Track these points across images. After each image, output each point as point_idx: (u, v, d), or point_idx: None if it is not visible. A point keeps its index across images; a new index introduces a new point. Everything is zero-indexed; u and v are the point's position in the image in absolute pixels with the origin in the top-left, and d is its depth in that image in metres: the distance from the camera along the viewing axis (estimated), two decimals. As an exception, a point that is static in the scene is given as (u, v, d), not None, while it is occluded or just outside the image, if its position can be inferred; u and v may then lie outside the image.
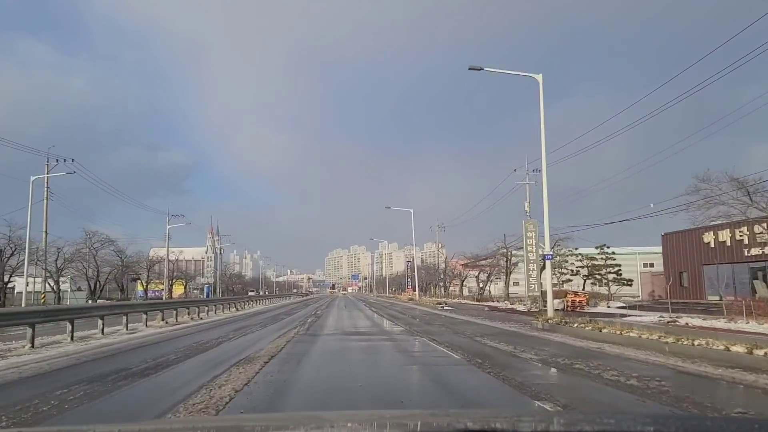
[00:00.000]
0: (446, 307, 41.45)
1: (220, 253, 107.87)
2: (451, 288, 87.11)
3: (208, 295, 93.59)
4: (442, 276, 78.48)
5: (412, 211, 57.69)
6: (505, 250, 48.76)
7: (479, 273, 57.80)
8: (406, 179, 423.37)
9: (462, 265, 72.32)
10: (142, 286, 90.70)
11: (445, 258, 72.49)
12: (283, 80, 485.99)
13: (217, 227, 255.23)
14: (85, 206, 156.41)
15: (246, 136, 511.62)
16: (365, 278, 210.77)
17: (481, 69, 24.54)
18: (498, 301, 49.97)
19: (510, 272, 50.42)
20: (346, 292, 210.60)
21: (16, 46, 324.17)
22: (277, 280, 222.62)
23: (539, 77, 23.52)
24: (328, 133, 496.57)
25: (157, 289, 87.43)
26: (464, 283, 72.40)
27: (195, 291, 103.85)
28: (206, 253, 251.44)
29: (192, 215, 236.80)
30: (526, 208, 51.73)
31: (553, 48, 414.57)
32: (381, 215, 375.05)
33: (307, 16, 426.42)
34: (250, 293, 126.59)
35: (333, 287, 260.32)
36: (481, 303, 48.77)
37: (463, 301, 52.37)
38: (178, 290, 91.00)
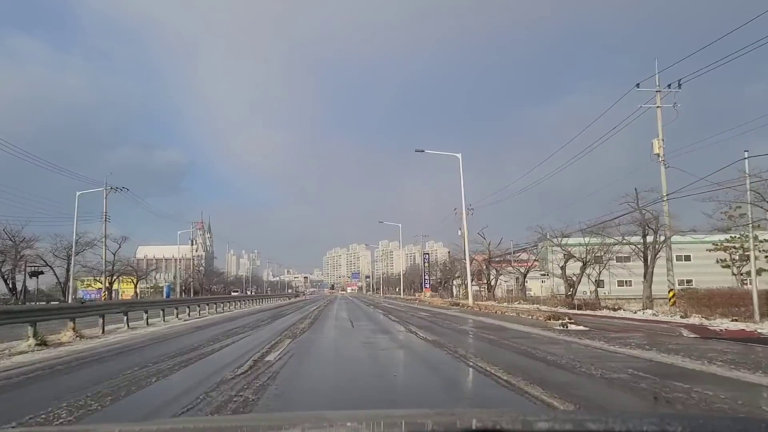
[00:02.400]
0: (571, 326, 18.32)
1: (194, 243, 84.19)
2: (476, 287, 64.17)
3: (168, 296, 70.24)
4: (483, 269, 55.32)
5: (460, 156, 34.57)
6: (643, 213, 25.59)
7: (566, 260, 34.60)
8: (406, 177, 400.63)
9: (511, 257, 49.30)
10: (82, 284, 67.58)
11: (489, 244, 49.36)
12: (279, 78, 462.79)
13: (208, 223, 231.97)
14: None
15: (243, 135, 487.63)
16: (367, 277, 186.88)
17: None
18: (617, 309, 27.02)
19: (655, 256, 27.14)
20: (345, 293, 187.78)
21: (8, 43, 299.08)
22: (271, 279, 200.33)
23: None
24: (324, 132, 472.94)
25: (93, 288, 64.26)
26: (524, 278, 49.56)
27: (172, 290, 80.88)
28: (196, 251, 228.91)
29: (189, 214, 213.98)
30: (657, 150, 29.32)
31: (551, 44, 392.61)
32: (381, 213, 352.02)
33: (303, 12, 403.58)
34: (233, 293, 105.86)
35: (332, 287, 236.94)
36: (593, 313, 25.72)
37: (557, 309, 29.06)
38: (129, 290, 67.91)
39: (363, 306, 42.83)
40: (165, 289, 72.19)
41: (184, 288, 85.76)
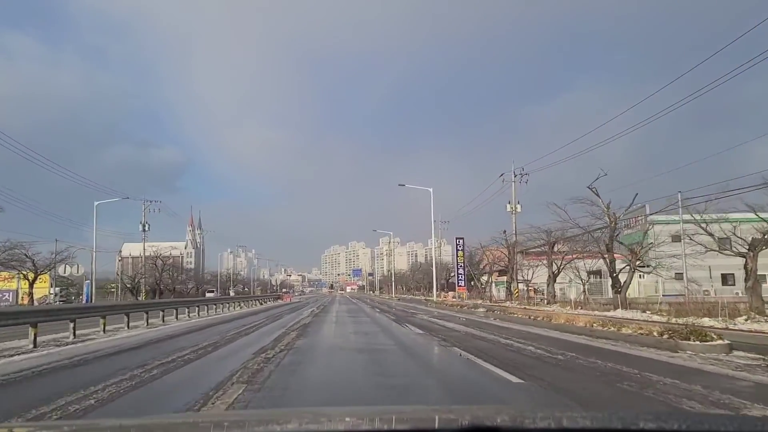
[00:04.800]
0: None
1: (146, 229, 59.75)
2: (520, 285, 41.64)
3: (88, 300, 46.16)
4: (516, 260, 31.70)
5: None
6: None
7: None
8: (403, 174, 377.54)
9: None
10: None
11: (608, 206, 25.16)
12: (274, 76, 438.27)
13: (198, 219, 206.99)
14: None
15: (239, 134, 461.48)
16: (370, 274, 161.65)
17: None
18: None
19: None
20: (344, 292, 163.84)
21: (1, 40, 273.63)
22: (265, 278, 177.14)
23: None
24: (320, 129, 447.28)
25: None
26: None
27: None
28: (185, 248, 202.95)
29: (187, 213, 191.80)
30: None
31: (549, 40, 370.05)
32: (380, 211, 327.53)
33: (295, 7, 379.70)
34: (208, 294, 78.34)
35: (331, 287, 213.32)
36: None
37: None
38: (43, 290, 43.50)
39: (398, 335, 17.94)
40: (85, 290, 47.82)
41: (131, 287, 61.67)
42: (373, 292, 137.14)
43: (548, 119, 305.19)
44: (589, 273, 44.84)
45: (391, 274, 79.84)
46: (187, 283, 79.17)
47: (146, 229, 62.81)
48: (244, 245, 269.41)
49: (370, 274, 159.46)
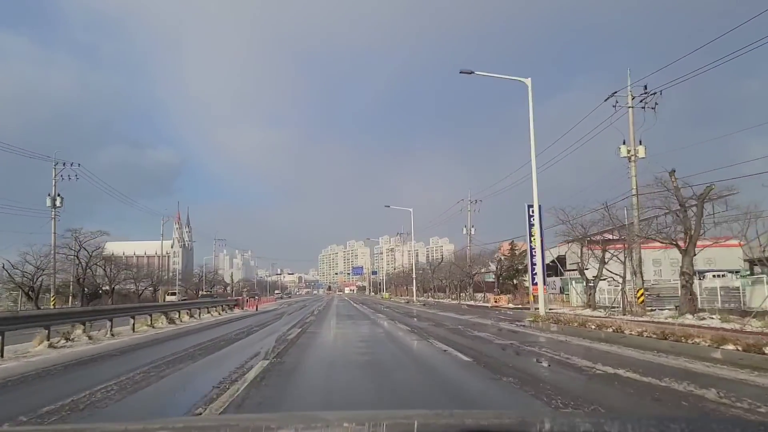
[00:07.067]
0: None
1: (56, 205, 38.91)
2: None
3: None
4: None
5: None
6: None
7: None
8: (400, 174, 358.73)
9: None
10: None
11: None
12: (270, 76, 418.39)
13: (187, 217, 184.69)
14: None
15: (235, 134, 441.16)
16: (373, 272, 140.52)
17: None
18: None
19: None
20: (342, 294, 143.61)
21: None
22: (260, 279, 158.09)
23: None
24: (317, 128, 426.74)
25: None
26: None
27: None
28: (171, 247, 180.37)
29: (183, 214, 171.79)
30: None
31: (546, 36, 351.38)
32: (378, 209, 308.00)
33: (292, 6, 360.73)
34: (169, 297, 60.79)
35: (329, 288, 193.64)
36: None
37: None
38: None
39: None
40: None
41: (32, 290, 40.85)
42: (376, 293, 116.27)
43: (547, 119, 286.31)
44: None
45: (412, 268, 58.25)
46: (137, 283, 58.52)
47: (57, 204, 42.24)
48: (241, 247, 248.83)
49: (374, 273, 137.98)
